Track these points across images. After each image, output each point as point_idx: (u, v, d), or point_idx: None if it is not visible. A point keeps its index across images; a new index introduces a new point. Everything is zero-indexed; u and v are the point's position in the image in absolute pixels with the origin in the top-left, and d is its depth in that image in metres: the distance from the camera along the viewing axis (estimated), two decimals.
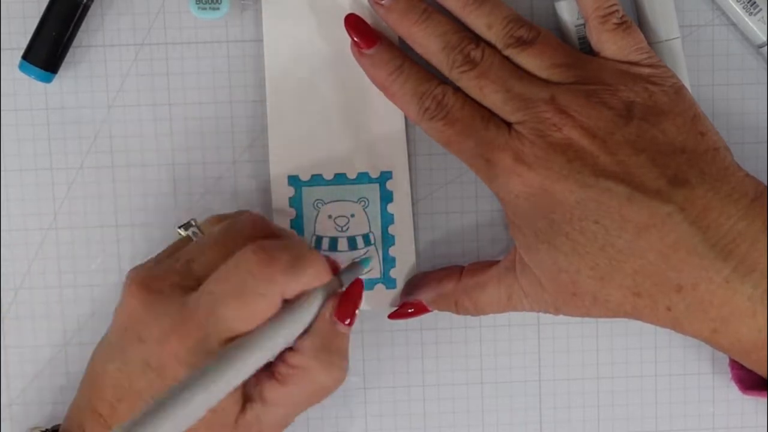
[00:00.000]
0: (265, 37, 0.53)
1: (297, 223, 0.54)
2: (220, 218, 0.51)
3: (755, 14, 0.52)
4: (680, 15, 0.53)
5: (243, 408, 0.46)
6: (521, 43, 0.49)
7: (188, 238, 0.49)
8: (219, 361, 0.43)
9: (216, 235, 0.48)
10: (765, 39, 0.53)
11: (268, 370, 0.47)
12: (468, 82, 0.49)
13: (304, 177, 0.53)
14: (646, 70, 0.49)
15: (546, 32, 0.50)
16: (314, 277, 0.46)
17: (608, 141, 0.47)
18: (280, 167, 0.53)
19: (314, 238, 0.54)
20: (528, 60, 0.49)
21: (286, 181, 0.54)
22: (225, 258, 0.46)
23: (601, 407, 0.55)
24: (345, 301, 0.48)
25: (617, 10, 0.49)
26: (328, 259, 0.48)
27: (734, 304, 0.46)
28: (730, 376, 0.52)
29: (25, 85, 0.53)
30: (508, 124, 0.48)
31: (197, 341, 0.44)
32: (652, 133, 0.47)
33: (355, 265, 0.51)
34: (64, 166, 0.54)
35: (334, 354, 0.47)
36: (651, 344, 0.55)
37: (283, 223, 0.54)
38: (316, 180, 0.54)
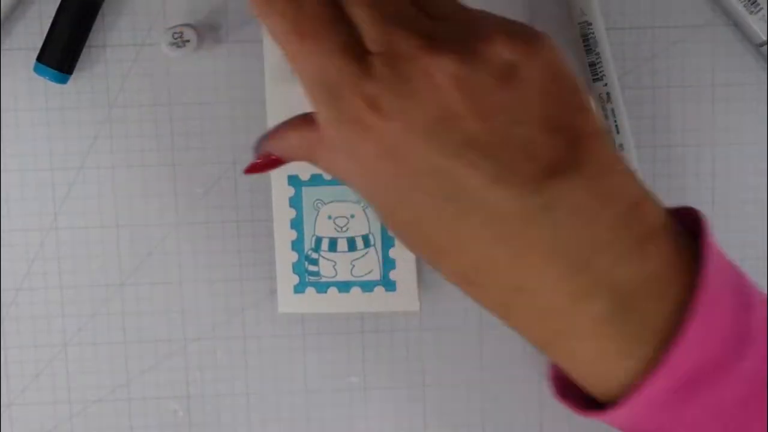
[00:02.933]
0: (264, 37, 0.53)
1: (297, 223, 0.54)
2: None
3: (756, 13, 0.52)
4: (680, 15, 0.53)
5: None
6: None
7: None
8: None
9: None
10: (765, 38, 0.53)
11: None
12: None
13: (304, 177, 0.53)
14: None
15: None
16: None
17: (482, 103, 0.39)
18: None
19: (314, 238, 0.54)
20: None
21: (286, 180, 0.54)
22: None
23: None
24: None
25: None
26: None
27: (576, 321, 0.39)
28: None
29: (25, 85, 0.53)
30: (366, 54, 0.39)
31: None
32: (531, 104, 0.39)
33: None
34: (64, 166, 0.54)
35: None
36: None
37: (283, 223, 0.54)
38: (316, 180, 0.53)
